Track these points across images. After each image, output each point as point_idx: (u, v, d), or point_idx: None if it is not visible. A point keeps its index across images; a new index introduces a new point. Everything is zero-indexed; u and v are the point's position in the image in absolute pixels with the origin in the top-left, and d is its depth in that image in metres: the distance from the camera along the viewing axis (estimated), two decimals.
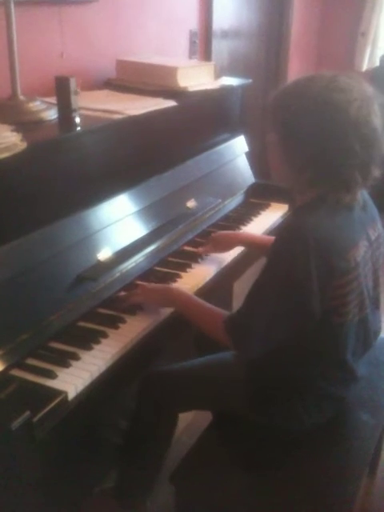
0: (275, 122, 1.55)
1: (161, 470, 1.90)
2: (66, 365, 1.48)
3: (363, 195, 1.62)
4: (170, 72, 2.31)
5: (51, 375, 1.43)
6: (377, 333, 1.76)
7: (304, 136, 1.47)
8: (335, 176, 1.49)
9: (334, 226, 1.49)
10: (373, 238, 1.63)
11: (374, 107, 1.47)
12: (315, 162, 1.49)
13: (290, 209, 2.53)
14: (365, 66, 4.64)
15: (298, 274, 1.44)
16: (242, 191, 2.63)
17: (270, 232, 2.39)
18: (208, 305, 1.70)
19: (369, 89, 1.50)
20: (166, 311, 1.76)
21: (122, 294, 1.80)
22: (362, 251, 1.55)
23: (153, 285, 1.82)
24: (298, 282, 1.45)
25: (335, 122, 1.43)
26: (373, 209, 1.68)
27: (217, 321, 1.62)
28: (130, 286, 1.84)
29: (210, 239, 2.14)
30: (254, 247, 2.15)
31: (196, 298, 1.76)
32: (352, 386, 1.73)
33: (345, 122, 1.43)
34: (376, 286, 1.70)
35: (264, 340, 1.53)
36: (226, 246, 2.13)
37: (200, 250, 2.11)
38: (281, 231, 1.60)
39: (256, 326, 1.53)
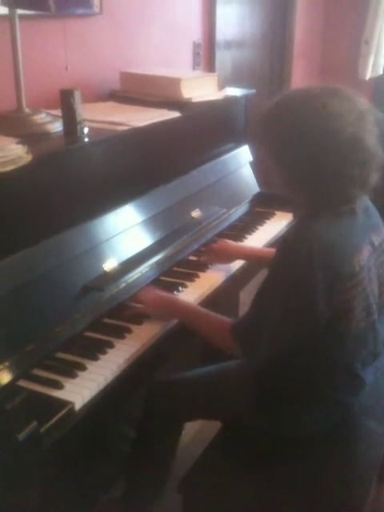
0: (268, 139, 1.55)
1: (167, 478, 1.90)
2: (72, 375, 1.48)
3: (365, 201, 1.62)
4: (174, 83, 2.32)
5: (58, 386, 1.44)
6: None
7: (299, 159, 1.47)
8: (332, 193, 1.50)
9: (336, 232, 1.50)
10: (376, 243, 1.62)
11: (369, 125, 1.46)
12: (311, 183, 1.50)
13: (294, 217, 2.53)
14: (368, 74, 4.63)
15: (303, 277, 1.45)
16: (246, 200, 2.64)
17: (276, 241, 2.39)
18: (213, 314, 1.71)
19: (364, 104, 1.49)
20: (172, 320, 1.77)
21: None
22: (365, 256, 1.55)
23: (158, 295, 1.82)
24: (302, 285, 1.46)
25: (331, 151, 1.43)
26: (375, 214, 1.68)
27: (223, 329, 1.63)
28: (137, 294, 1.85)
29: (211, 249, 2.15)
30: (257, 261, 2.15)
31: (201, 308, 1.78)
32: (360, 393, 1.72)
33: (340, 149, 1.43)
34: (382, 293, 1.69)
35: (271, 344, 1.53)
36: (228, 258, 2.14)
37: (202, 259, 2.12)
38: (285, 237, 1.61)
39: (262, 330, 1.53)
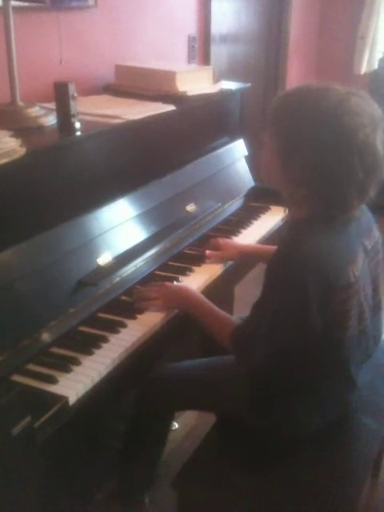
0: (277, 127, 1.49)
1: (158, 466, 1.92)
2: (66, 370, 1.47)
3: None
4: (169, 76, 2.31)
5: (52, 380, 1.43)
6: (377, 338, 1.76)
7: (306, 151, 1.42)
8: (332, 196, 1.46)
9: (331, 244, 1.47)
10: (369, 247, 1.61)
11: (380, 133, 1.43)
12: (313, 180, 1.45)
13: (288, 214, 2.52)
14: (363, 70, 4.65)
15: (296, 288, 1.44)
16: (241, 195, 2.63)
17: (271, 235, 2.39)
18: (222, 313, 1.71)
19: (378, 112, 1.45)
20: (167, 315, 1.76)
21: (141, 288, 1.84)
22: (360, 265, 1.53)
23: (171, 288, 1.82)
24: (295, 296, 1.45)
25: (341, 146, 1.39)
26: (368, 216, 1.65)
27: (226, 329, 1.63)
28: (132, 290, 1.84)
29: (216, 242, 2.14)
30: (258, 258, 2.15)
31: (208, 302, 1.75)
32: (354, 391, 1.73)
33: (351, 148, 1.39)
34: (376, 294, 1.69)
35: (266, 348, 1.53)
36: (232, 256, 2.12)
37: (208, 253, 2.09)
38: (278, 250, 1.55)
39: (257, 338, 1.53)
